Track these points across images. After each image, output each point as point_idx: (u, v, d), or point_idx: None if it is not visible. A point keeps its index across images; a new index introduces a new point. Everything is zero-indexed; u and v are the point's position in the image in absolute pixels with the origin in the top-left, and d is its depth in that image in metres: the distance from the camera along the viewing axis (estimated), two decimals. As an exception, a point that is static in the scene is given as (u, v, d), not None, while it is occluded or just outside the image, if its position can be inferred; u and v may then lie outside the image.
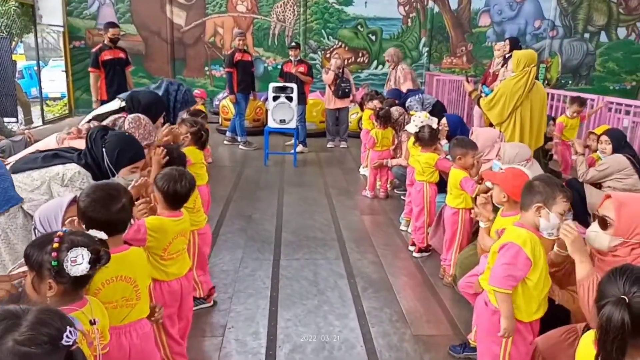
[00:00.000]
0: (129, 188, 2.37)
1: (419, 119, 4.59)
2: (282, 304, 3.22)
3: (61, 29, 11.65)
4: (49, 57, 23.45)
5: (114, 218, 1.79)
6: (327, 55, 11.45)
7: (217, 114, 10.05)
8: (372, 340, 2.84)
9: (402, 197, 5.61)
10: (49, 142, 3.30)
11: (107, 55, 6.96)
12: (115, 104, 3.80)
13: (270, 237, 4.36)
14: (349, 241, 4.32)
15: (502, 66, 7.64)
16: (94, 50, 7.20)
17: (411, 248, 4.17)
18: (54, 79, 15.09)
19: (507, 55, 7.55)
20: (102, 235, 1.63)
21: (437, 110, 5.78)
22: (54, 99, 14.43)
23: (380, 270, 3.77)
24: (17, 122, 10.13)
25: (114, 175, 2.48)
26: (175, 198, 2.34)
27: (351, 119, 9.27)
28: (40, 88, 11.45)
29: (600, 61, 12.19)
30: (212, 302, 3.22)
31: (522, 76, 4.59)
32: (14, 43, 11.65)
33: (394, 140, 5.71)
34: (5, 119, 9.94)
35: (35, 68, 11.91)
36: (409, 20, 11.69)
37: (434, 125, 4.43)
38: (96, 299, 1.63)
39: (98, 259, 1.48)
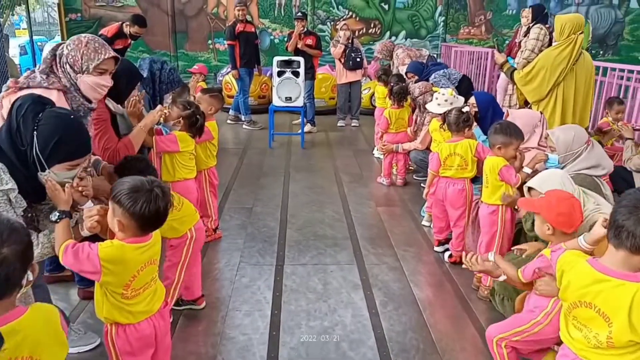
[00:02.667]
0: (87, 217, 1.79)
1: (442, 97, 3.96)
2: (285, 326, 2.67)
3: (56, 1, 11.01)
4: (55, 32, 22.68)
5: None
6: (337, 26, 10.73)
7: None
8: (395, 379, 2.30)
9: (422, 184, 5.01)
10: None
11: (119, 45, 6.35)
12: None
13: (273, 236, 3.80)
14: (363, 240, 3.75)
15: (525, 36, 6.94)
16: (108, 35, 6.41)
17: (437, 249, 3.60)
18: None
19: (530, 25, 6.85)
20: None
21: (464, 87, 5.14)
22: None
23: (402, 279, 3.20)
24: (10, 100, 9.58)
25: (42, 170, 1.83)
26: (154, 221, 1.72)
27: (363, 94, 8.61)
28: (35, 64, 10.89)
29: (630, 29, 11.32)
30: (203, 305, 2.76)
31: (567, 45, 3.93)
32: (4, 16, 11.00)
33: (411, 121, 5.08)
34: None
35: (35, 44, 11.26)
36: (424, -14, 10.87)
37: (459, 104, 3.80)
38: None
39: None
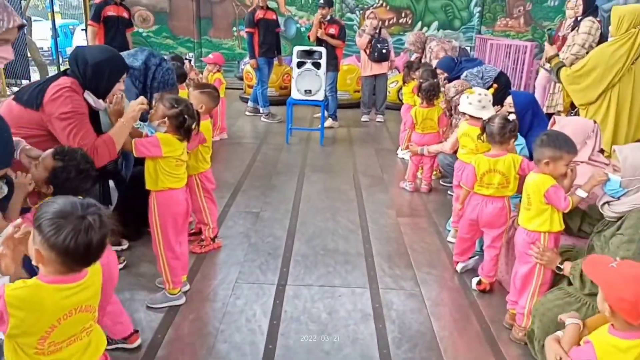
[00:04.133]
0: None
1: (475, 97, 3.45)
2: (279, 367, 2.28)
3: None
4: (87, 15, 22.67)
5: None
6: (365, 15, 10.23)
7: (242, 79, 9.10)
8: None
9: (449, 192, 4.54)
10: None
11: (110, 11, 6.33)
12: None
13: (278, 248, 3.39)
14: (379, 257, 3.31)
15: (573, 30, 6.32)
16: (97, 1, 6.51)
17: (457, 268, 3.14)
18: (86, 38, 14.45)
19: (579, 18, 6.24)
20: None
21: (501, 84, 4.62)
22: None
23: (421, 310, 2.76)
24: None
25: None
26: (82, 257, 1.34)
27: (390, 88, 8.11)
28: (57, 48, 10.75)
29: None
30: (137, 342, 2.32)
31: (625, 41, 3.40)
32: (27, 1, 10.84)
33: (442, 122, 4.58)
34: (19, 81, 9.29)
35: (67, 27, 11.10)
36: (460, -25, 10.27)
37: (491, 110, 3.31)
38: None
39: None
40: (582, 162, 2.70)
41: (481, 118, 3.11)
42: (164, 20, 10.67)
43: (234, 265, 3.15)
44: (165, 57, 6.04)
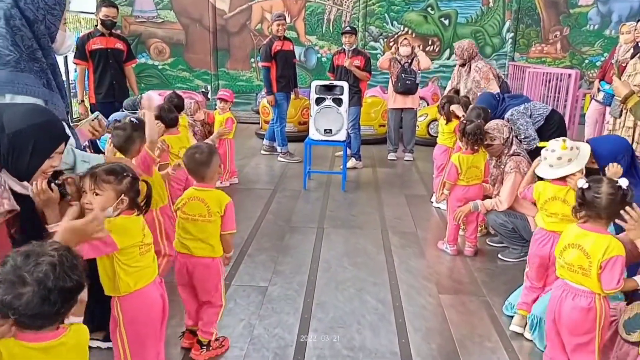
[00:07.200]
0: None
1: (552, 155, 2.58)
2: None
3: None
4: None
5: None
6: (391, 44, 9.60)
7: (259, 113, 8.52)
8: None
9: (499, 255, 3.74)
10: None
11: (95, 44, 5.22)
12: None
13: (288, 345, 2.62)
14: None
15: (635, 56, 5.53)
16: (80, 36, 5.54)
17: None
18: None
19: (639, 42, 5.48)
20: None
21: (554, 124, 3.86)
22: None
23: None
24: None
25: None
26: None
27: (419, 122, 7.34)
28: (69, 83, 10.37)
29: None
30: None
31: None
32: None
33: (488, 171, 3.79)
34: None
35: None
36: (491, 0, 9.60)
37: (582, 159, 2.50)
38: None
39: None
40: None
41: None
42: (180, 53, 10.33)
43: (228, 375, 2.40)
44: (164, 93, 5.20)
